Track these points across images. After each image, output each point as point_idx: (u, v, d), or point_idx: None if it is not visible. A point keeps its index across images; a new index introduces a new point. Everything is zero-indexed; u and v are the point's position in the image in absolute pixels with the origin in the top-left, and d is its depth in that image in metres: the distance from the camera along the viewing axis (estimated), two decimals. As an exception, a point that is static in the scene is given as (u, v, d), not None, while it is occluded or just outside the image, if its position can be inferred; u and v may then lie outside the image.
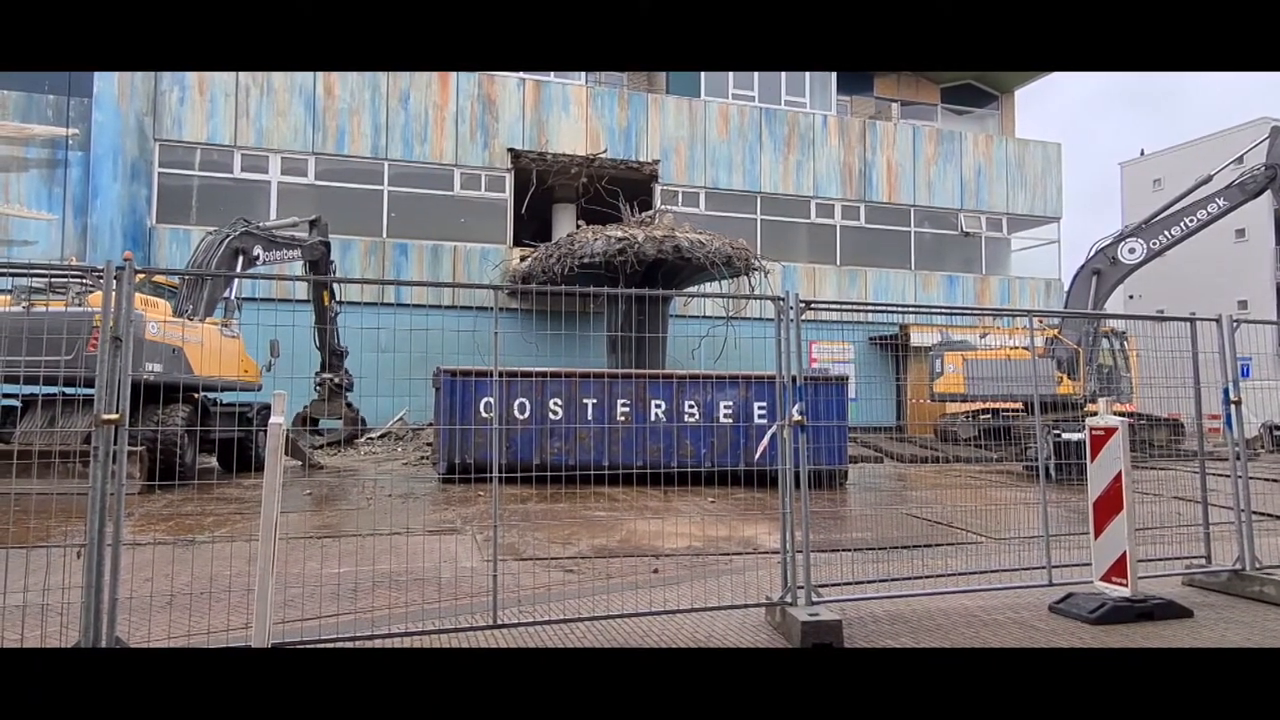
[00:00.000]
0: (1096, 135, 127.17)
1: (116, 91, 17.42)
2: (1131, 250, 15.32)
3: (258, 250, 12.90)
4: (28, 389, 9.99)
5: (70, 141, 17.25)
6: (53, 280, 10.02)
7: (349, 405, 15.81)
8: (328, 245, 15.04)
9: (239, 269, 12.32)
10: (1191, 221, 14.99)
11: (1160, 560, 5.96)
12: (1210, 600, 5.41)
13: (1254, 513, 5.81)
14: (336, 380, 15.34)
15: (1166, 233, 15.10)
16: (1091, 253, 15.44)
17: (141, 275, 4.29)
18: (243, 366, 12.12)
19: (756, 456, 10.88)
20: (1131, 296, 37.64)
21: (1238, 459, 5.76)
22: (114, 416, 3.69)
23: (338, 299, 15.67)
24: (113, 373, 3.75)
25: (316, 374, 15.21)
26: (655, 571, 6.15)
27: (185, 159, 18.36)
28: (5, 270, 6.86)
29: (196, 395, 11.36)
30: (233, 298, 12.41)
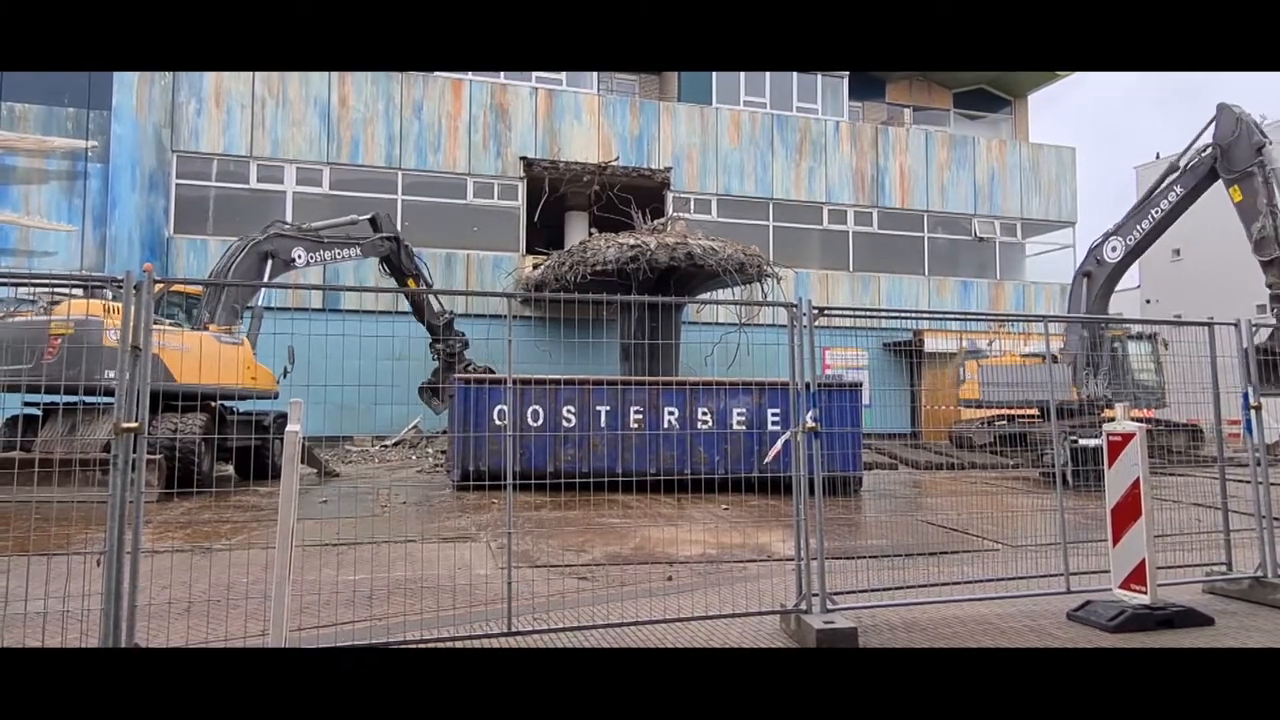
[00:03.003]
0: (1119, 137, 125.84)
1: (135, 104, 17.65)
2: (1114, 249, 15.28)
3: (298, 252, 12.69)
4: (49, 398, 10.10)
5: (89, 154, 17.48)
6: (65, 290, 10.07)
7: (468, 366, 15.82)
8: (395, 239, 15.06)
9: (268, 273, 12.20)
10: (1156, 212, 14.95)
11: (1180, 567, 5.90)
12: (1231, 608, 5.34)
13: (1275, 519, 5.74)
14: (447, 348, 15.39)
15: (1139, 227, 15.06)
16: (1085, 254, 15.45)
17: (160, 285, 4.34)
18: (250, 374, 11.90)
19: (768, 461, 10.86)
20: (1149, 301, 37.30)
21: (1258, 464, 5.69)
22: (133, 425, 3.73)
23: (426, 279, 15.66)
24: (132, 382, 3.79)
25: (431, 344, 15.49)
26: (669, 579, 6.14)
27: (202, 170, 18.56)
28: (20, 280, 6.97)
29: (214, 403, 11.37)
30: (259, 305, 12.26)
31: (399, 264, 15.15)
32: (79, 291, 9.70)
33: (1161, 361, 15.83)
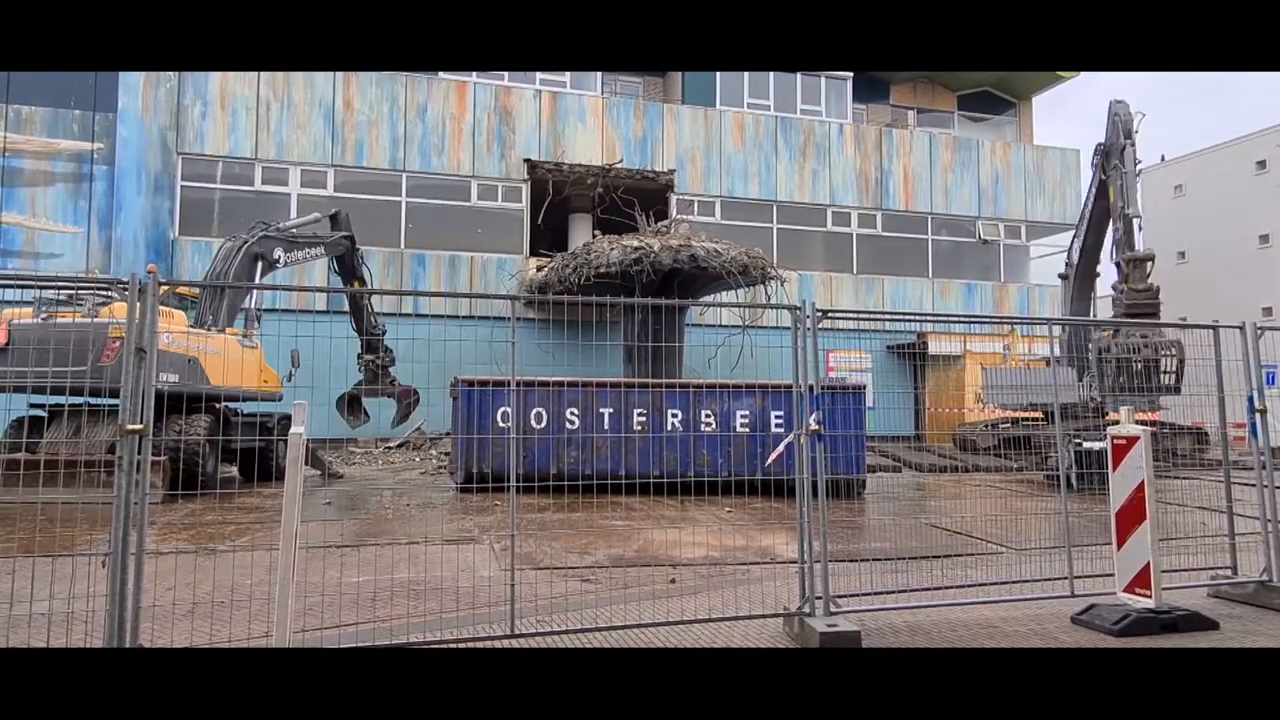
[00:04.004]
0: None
1: (140, 106, 17.71)
2: (1076, 251, 15.43)
3: (278, 253, 12.84)
4: (54, 399, 10.16)
5: (95, 156, 17.54)
6: (74, 293, 10.12)
7: (393, 381, 15.68)
8: (351, 238, 15.04)
9: (259, 275, 12.31)
10: (1086, 211, 15.12)
11: (1185, 571, 5.88)
12: (1236, 612, 5.32)
13: (1281, 523, 5.72)
14: (378, 360, 15.22)
15: (1079, 228, 15.25)
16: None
17: (165, 288, 4.35)
18: (262, 377, 12.22)
19: (769, 463, 10.81)
20: (1153, 303, 37.20)
21: (1263, 468, 5.67)
22: (138, 426, 3.74)
23: (367, 285, 15.53)
24: (137, 383, 3.80)
25: (359, 355, 15.17)
26: (672, 581, 6.14)
27: (207, 172, 18.62)
28: (32, 282, 7.01)
29: (218, 405, 11.46)
30: (252, 307, 12.43)
31: (351, 264, 15.05)
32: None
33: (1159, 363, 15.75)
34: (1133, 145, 13.91)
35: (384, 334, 15.11)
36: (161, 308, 10.52)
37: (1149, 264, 13.29)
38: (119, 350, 9.25)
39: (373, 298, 15.44)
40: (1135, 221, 13.52)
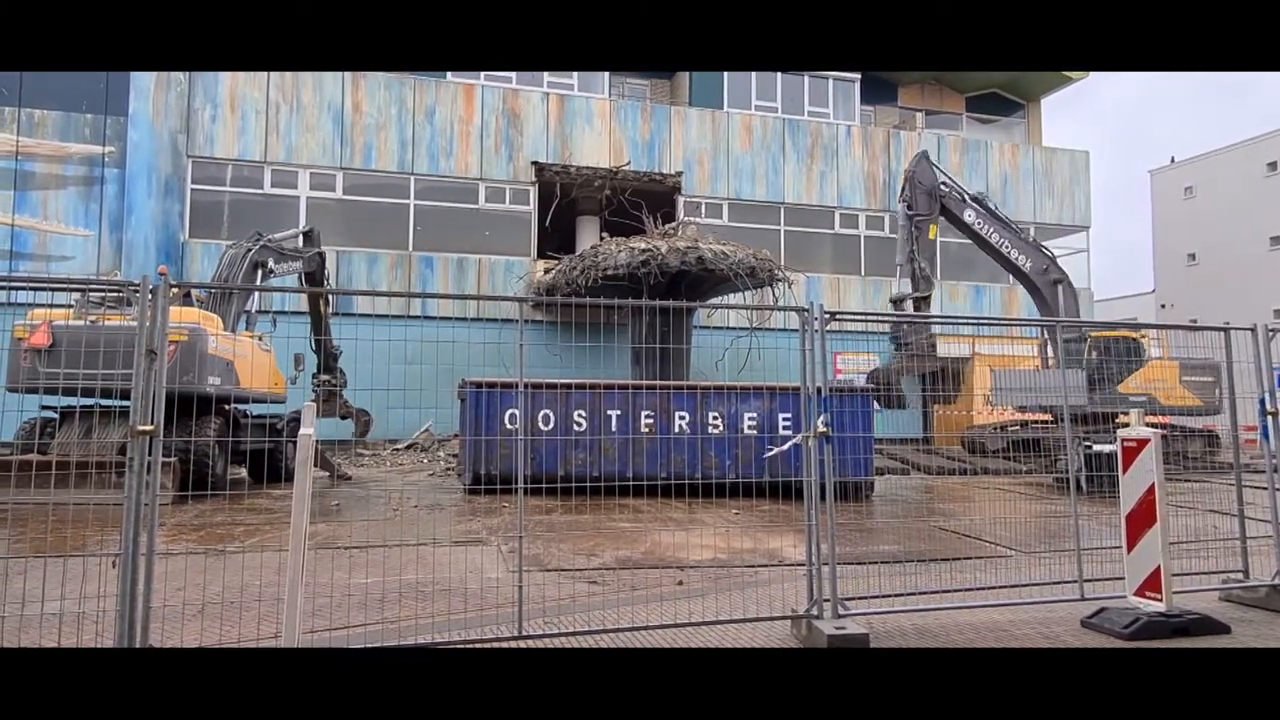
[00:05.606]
0: (1143, 138, 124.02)
1: (151, 110, 17.83)
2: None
3: (270, 262, 13.12)
4: (66, 400, 10.24)
5: (106, 159, 17.67)
6: (107, 295, 10.25)
7: (346, 402, 15.65)
8: (322, 255, 15.13)
9: (258, 282, 12.51)
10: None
11: (1196, 575, 5.84)
12: (1248, 616, 5.28)
13: (1293, 526, 5.67)
14: (334, 382, 15.16)
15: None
16: None
17: (175, 289, 4.38)
18: (273, 379, 12.37)
19: (769, 455, 10.68)
20: (1164, 306, 37.03)
21: (1275, 471, 5.63)
22: (149, 428, 3.76)
23: (332, 306, 15.58)
24: (148, 384, 3.82)
25: (314, 376, 15.17)
26: (680, 584, 6.14)
27: (217, 175, 18.73)
28: (43, 285, 7.06)
29: (227, 407, 11.57)
30: (253, 311, 12.61)
31: (319, 280, 15.04)
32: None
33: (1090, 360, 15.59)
34: (901, 201, 14.88)
35: (340, 356, 15.06)
36: (204, 313, 10.94)
37: (903, 304, 14.71)
38: (174, 353, 9.45)
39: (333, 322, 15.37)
40: (897, 268, 14.84)
